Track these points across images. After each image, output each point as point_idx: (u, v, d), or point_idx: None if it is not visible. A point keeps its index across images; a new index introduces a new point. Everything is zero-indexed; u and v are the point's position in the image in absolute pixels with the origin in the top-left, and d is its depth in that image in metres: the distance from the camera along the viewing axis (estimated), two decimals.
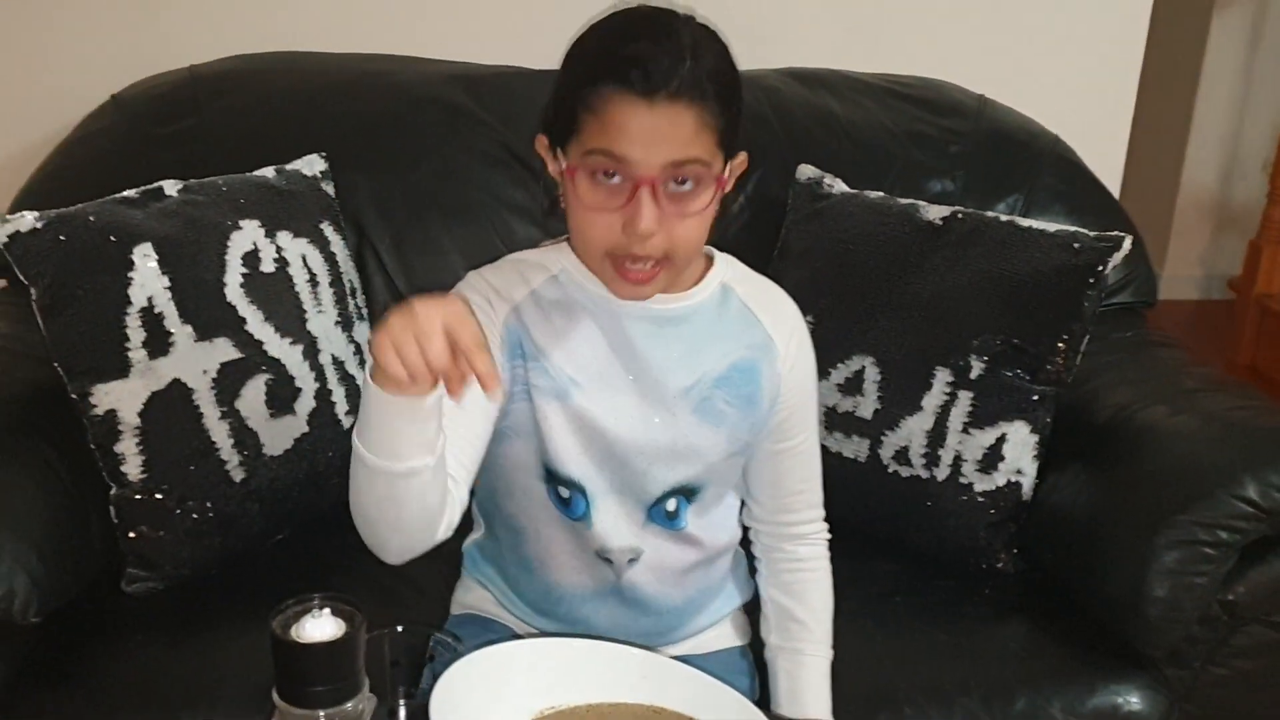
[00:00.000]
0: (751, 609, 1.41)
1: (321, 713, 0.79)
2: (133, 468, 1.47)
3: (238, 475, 1.53)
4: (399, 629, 1.02)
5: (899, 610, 1.57)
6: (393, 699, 1.01)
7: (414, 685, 1.05)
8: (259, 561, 1.58)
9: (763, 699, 1.37)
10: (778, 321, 1.28)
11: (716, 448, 1.25)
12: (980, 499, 1.60)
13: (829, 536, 1.37)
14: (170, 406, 1.48)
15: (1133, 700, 1.47)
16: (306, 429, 1.59)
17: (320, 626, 0.79)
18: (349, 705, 0.80)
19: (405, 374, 0.91)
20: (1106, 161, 2.16)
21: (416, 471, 1.00)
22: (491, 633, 1.35)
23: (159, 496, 1.48)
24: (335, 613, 0.81)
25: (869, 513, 1.66)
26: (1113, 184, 2.22)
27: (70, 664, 1.40)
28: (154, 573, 1.51)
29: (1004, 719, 1.43)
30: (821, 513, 1.36)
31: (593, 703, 1.02)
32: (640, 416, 1.21)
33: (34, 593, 1.34)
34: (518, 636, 1.33)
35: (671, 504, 1.25)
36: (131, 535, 1.50)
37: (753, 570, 1.41)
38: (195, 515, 1.51)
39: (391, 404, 0.95)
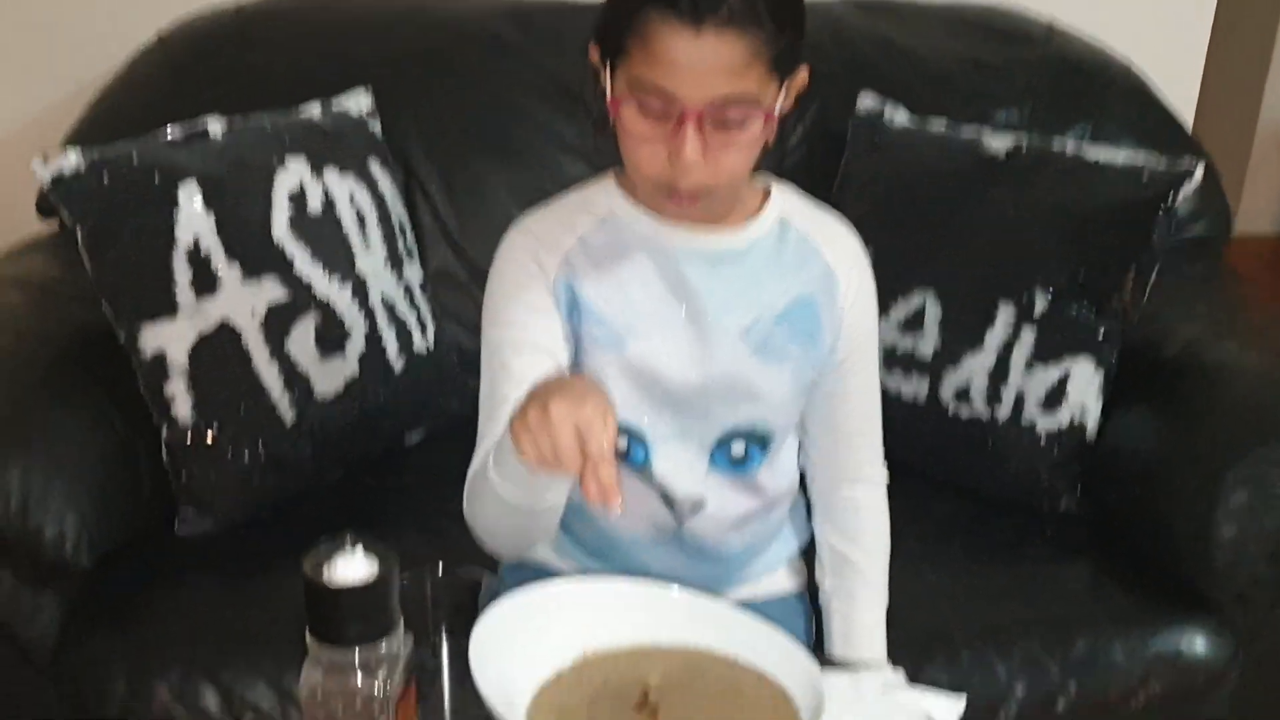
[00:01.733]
0: (808, 553, 1.38)
1: (355, 651, 0.78)
2: (182, 409, 1.47)
3: (288, 417, 1.52)
4: (439, 567, 1.00)
5: (957, 552, 1.54)
6: (434, 637, 1.00)
7: (456, 625, 1.04)
8: (311, 503, 1.57)
9: (817, 644, 1.35)
10: (839, 254, 1.23)
11: (779, 388, 1.21)
12: (1043, 439, 1.56)
13: (887, 479, 1.33)
14: (219, 348, 1.48)
15: (1196, 643, 1.43)
16: (357, 372, 1.58)
17: (352, 567, 0.77)
18: (382, 645, 0.79)
19: (539, 462, 0.92)
20: (1180, 91, 2.06)
21: (555, 508, 1.06)
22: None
23: (210, 438, 1.48)
24: (368, 552, 0.79)
25: (928, 454, 1.62)
26: (1186, 115, 2.13)
27: (123, 607, 1.41)
28: (206, 515, 1.52)
29: (1064, 661, 1.40)
30: (880, 454, 1.32)
31: (639, 644, 0.99)
32: (698, 359, 1.18)
33: (85, 535, 1.35)
34: None
35: (737, 448, 1.22)
36: (183, 477, 1.50)
37: (809, 513, 1.38)
38: (246, 457, 1.51)
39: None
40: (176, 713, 1.34)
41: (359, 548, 0.79)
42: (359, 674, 0.79)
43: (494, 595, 1.01)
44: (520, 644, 0.95)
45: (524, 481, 0.99)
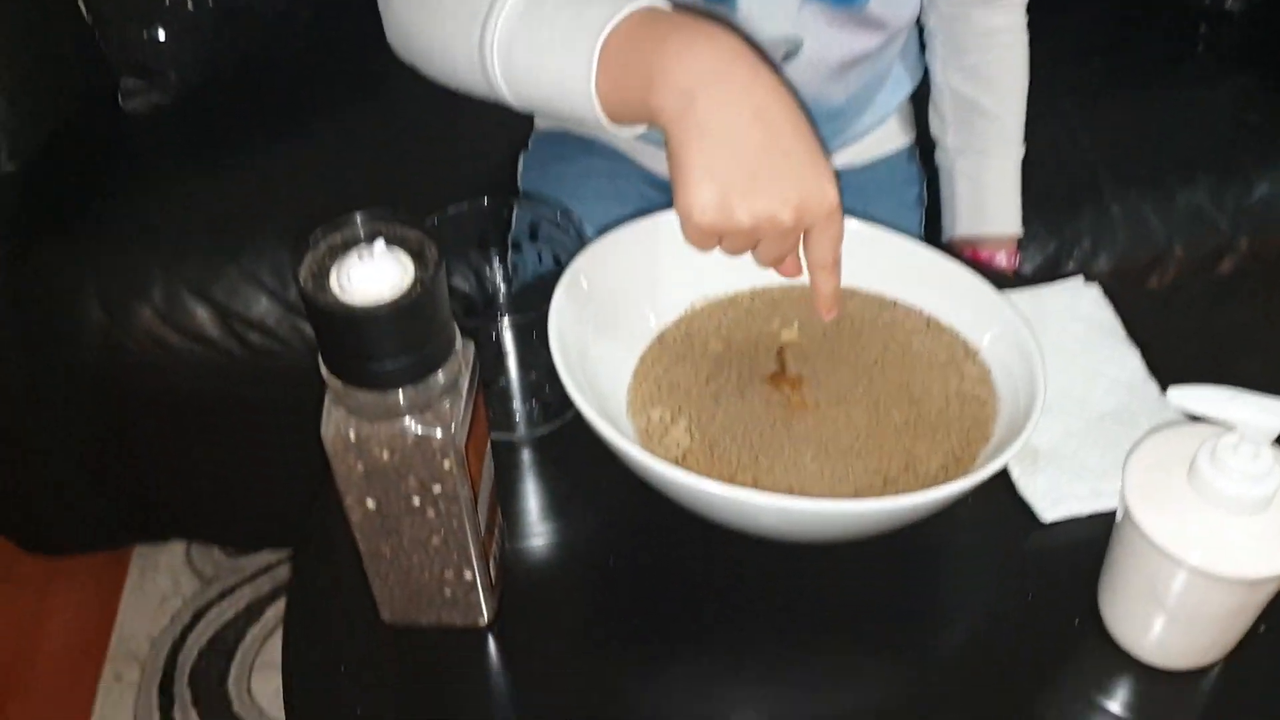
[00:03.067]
0: (918, 95, 1.09)
1: (399, 394, 0.52)
2: None
3: None
4: (484, 203, 0.72)
5: (1098, 75, 1.24)
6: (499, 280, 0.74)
7: (504, 259, 0.78)
8: (280, 62, 1.26)
9: (931, 208, 1.09)
10: None
11: None
12: None
13: None
14: None
15: None
16: None
17: (376, 275, 0.50)
18: (439, 376, 0.54)
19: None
20: None
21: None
22: (593, 156, 1.05)
23: None
24: (393, 244, 0.51)
25: None
26: None
27: (69, 207, 1.14)
28: (153, 82, 1.20)
29: (1235, 209, 1.15)
30: None
31: (757, 287, 0.74)
32: None
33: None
34: (641, 181, 1.04)
35: None
36: (116, 37, 1.17)
37: (921, 46, 1.07)
38: (190, 2, 1.17)
39: None
40: (166, 337, 1.12)
41: (379, 243, 0.51)
42: (407, 419, 0.53)
43: (530, 219, 0.74)
44: (619, 296, 0.70)
45: (589, 119, 0.65)
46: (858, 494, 0.63)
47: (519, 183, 1.07)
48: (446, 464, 0.55)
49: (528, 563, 0.68)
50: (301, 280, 0.50)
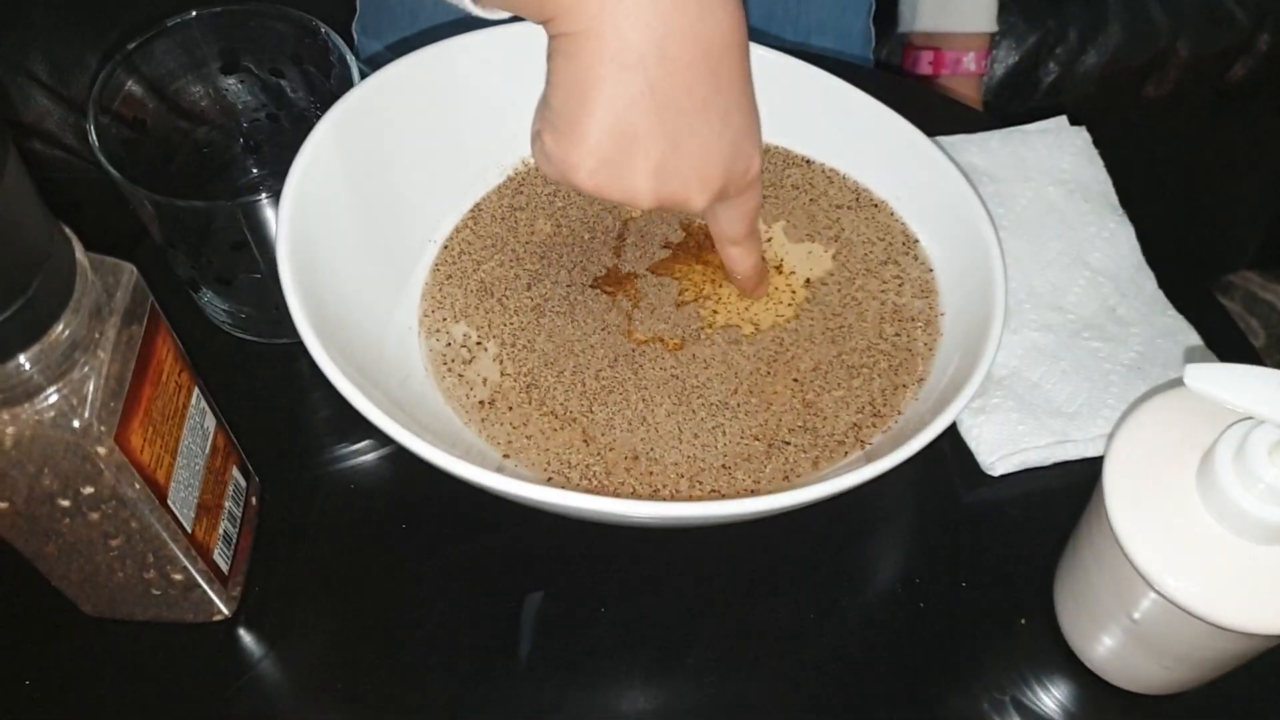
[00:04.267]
0: None
1: (22, 359, 0.33)
2: None
3: None
4: (222, 13, 0.51)
5: None
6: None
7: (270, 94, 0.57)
8: None
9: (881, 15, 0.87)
10: None
11: None
12: None
13: None
14: None
15: None
16: None
17: None
18: (61, 329, 0.34)
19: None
20: None
21: None
22: None
23: None
24: None
25: None
26: None
27: None
28: None
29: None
30: None
31: None
32: None
33: None
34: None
35: None
36: None
37: None
38: None
39: None
40: None
41: None
42: (20, 403, 0.34)
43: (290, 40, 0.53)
44: (392, 160, 0.49)
45: None
46: (725, 467, 0.45)
47: None
48: (94, 459, 0.36)
49: (310, 508, 0.50)
50: None
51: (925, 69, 0.88)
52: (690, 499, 0.44)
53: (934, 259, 0.50)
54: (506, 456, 0.45)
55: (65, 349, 0.34)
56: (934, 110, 0.70)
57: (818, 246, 0.51)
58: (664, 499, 0.43)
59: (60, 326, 0.34)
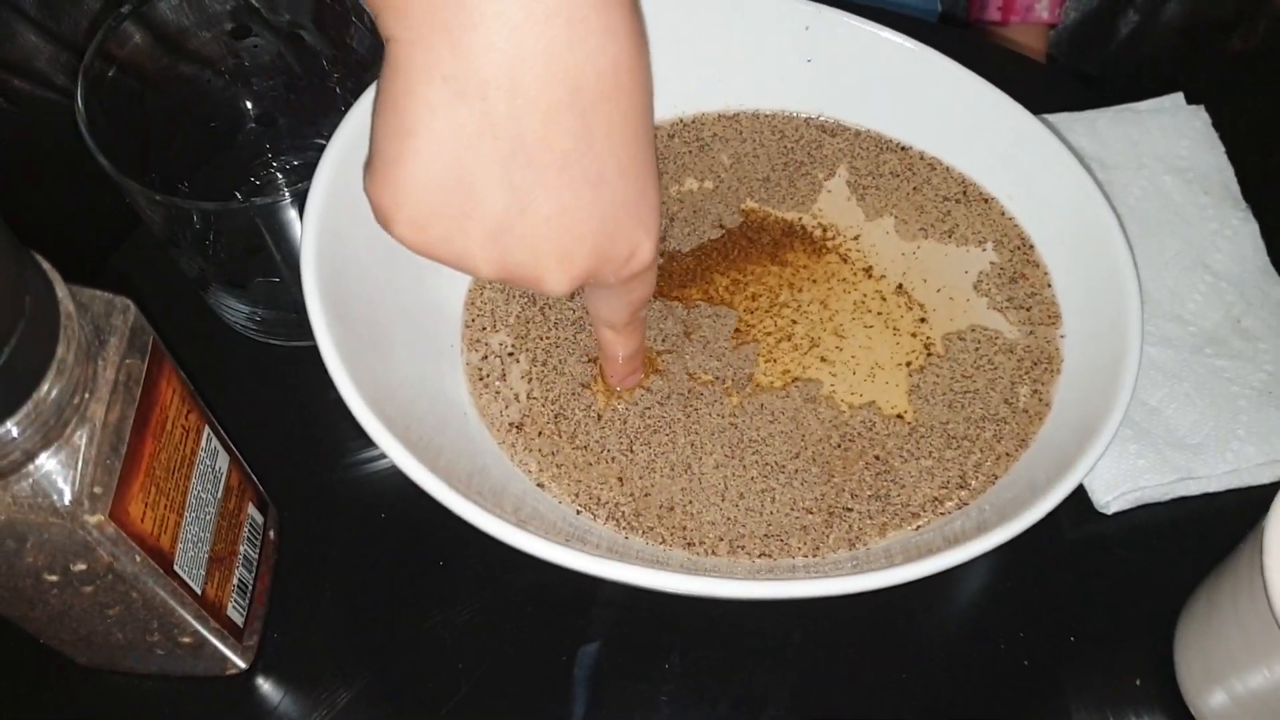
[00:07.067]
0: None
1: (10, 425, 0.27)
2: None
3: None
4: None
5: None
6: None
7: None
8: None
9: None
10: None
11: None
12: None
13: None
14: None
15: None
16: None
17: None
18: (47, 389, 0.28)
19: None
20: None
21: None
22: None
23: None
24: None
25: None
26: None
27: None
28: None
29: None
30: None
31: (686, 116, 0.47)
32: None
33: None
34: None
35: None
36: None
37: None
38: None
39: None
40: None
41: None
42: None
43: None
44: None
45: None
46: (769, 536, 0.39)
47: None
48: (86, 535, 0.30)
49: (331, 535, 0.44)
50: None
51: (994, 14, 0.81)
52: (730, 557, 0.38)
53: (1053, 270, 0.43)
54: (541, 486, 0.39)
55: (50, 413, 0.28)
56: (1005, 70, 0.63)
57: (925, 246, 0.45)
58: (701, 556, 0.38)
59: (45, 387, 0.28)
